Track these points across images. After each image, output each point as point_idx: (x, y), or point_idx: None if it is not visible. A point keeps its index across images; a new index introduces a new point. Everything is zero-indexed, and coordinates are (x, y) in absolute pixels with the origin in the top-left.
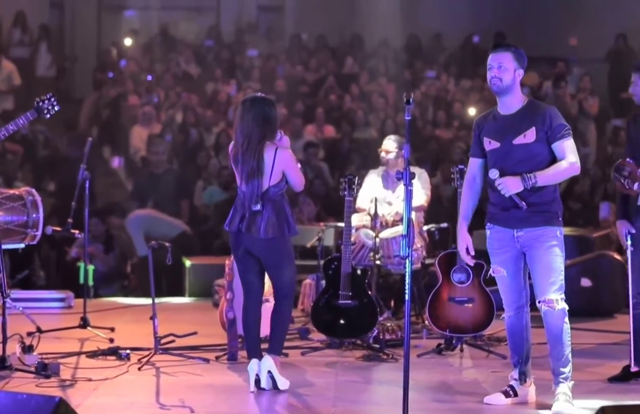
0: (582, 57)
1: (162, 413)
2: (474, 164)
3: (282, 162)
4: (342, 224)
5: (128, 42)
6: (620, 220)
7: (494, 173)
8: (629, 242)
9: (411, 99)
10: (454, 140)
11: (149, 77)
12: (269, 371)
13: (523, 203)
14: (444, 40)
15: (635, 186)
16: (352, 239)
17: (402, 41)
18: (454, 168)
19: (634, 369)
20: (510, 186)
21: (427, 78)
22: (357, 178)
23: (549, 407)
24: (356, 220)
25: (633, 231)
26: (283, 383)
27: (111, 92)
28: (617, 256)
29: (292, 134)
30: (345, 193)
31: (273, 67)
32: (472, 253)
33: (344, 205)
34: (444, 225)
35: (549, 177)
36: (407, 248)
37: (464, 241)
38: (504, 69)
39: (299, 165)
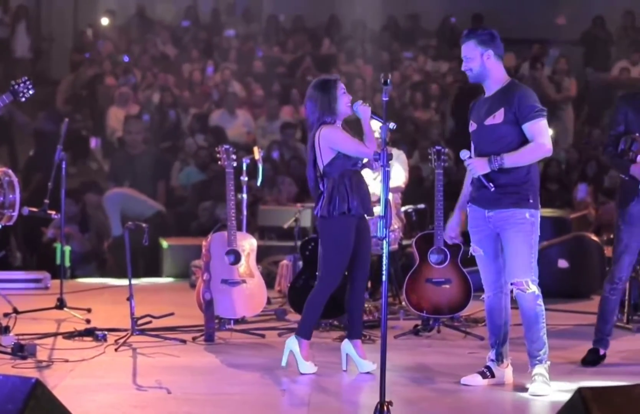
0: (559, 39)
1: (139, 394)
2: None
3: (325, 140)
4: None
5: (105, 22)
6: None
7: (464, 154)
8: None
9: (389, 80)
10: (431, 121)
11: (126, 58)
12: (348, 354)
13: (491, 184)
14: (421, 21)
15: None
16: None
17: (379, 22)
18: (431, 149)
19: (602, 352)
20: (477, 167)
21: (404, 59)
22: None
23: (525, 388)
24: None
25: None
26: (365, 366)
27: (88, 73)
28: (594, 238)
29: (268, 115)
30: None
31: (250, 48)
32: (456, 239)
33: None
34: (421, 206)
35: (516, 158)
36: (384, 229)
37: (454, 227)
38: (469, 59)
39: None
